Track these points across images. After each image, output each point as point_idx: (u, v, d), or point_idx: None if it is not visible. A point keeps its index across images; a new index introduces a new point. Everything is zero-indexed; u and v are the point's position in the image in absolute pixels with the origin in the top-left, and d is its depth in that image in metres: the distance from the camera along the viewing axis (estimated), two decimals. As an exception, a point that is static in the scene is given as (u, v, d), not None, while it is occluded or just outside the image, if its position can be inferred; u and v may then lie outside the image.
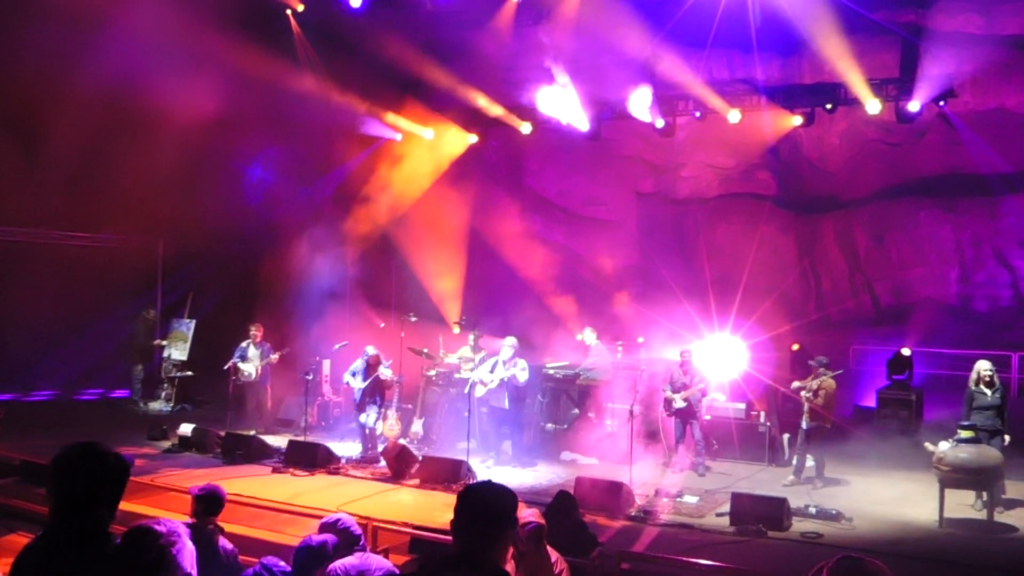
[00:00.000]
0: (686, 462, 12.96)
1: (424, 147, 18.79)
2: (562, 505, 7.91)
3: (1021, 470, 11.25)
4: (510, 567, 5.14)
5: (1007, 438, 10.81)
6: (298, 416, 15.20)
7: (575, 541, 7.57)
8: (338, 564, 4.32)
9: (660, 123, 16.61)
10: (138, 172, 15.73)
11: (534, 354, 15.44)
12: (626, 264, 19.69)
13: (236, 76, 15.77)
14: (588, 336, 15.29)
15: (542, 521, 5.74)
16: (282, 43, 17.11)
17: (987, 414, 10.80)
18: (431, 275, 18.75)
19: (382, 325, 17.37)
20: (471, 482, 11.25)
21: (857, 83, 14.76)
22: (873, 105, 14.83)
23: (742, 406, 13.99)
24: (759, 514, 9.77)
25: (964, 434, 10.08)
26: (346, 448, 13.62)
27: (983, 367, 11.04)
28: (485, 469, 12.60)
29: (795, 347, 15.91)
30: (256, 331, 15.54)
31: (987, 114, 17.14)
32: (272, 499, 10.27)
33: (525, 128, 17.67)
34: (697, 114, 16.56)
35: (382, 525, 8.61)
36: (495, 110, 17.69)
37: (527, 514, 5.57)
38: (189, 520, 6.42)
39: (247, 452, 13.04)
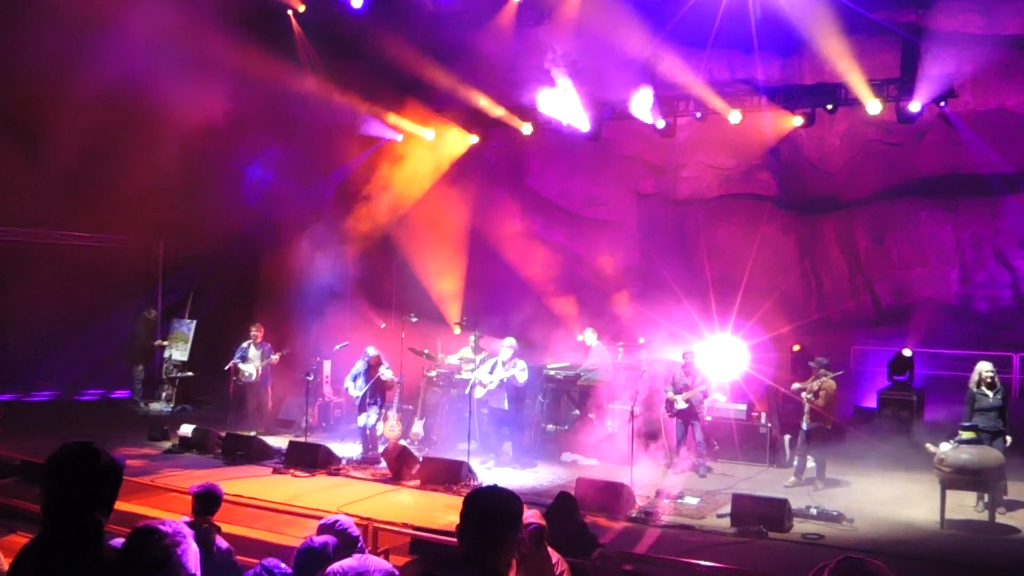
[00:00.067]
0: (687, 463, 12.96)
1: (425, 147, 18.78)
2: (563, 506, 7.89)
3: (1022, 471, 11.23)
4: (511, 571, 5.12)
5: (1009, 439, 10.80)
6: (299, 417, 15.20)
7: (576, 542, 7.56)
8: (337, 566, 4.31)
9: (661, 124, 16.61)
10: (139, 172, 15.72)
11: (535, 355, 15.43)
12: (627, 264, 19.68)
13: (237, 77, 15.76)
14: (589, 337, 15.29)
15: (543, 522, 5.74)
16: (283, 44, 17.10)
17: (989, 416, 10.79)
18: (432, 275, 18.75)
19: (383, 326, 17.37)
20: (472, 483, 11.35)
21: (858, 83, 14.76)
22: (874, 105, 14.83)
23: (743, 407, 13.99)
24: (760, 515, 9.76)
25: (965, 435, 10.08)
26: (347, 449, 13.61)
27: (984, 368, 11.02)
28: (486, 470, 12.59)
29: (796, 348, 15.91)
30: (257, 332, 15.54)
31: (987, 114, 17.13)
32: (272, 500, 10.26)
33: (526, 128, 17.67)
34: (698, 115, 16.56)
35: (383, 526, 8.60)
36: (496, 111, 17.68)
37: (528, 515, 5.57)
38: (186, 519, 6.42)
39: (248, 453, 13.04)
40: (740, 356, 14.79)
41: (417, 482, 11.73)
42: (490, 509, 3.11)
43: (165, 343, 18.21)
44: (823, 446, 12.09)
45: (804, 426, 12.03)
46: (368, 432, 13.39)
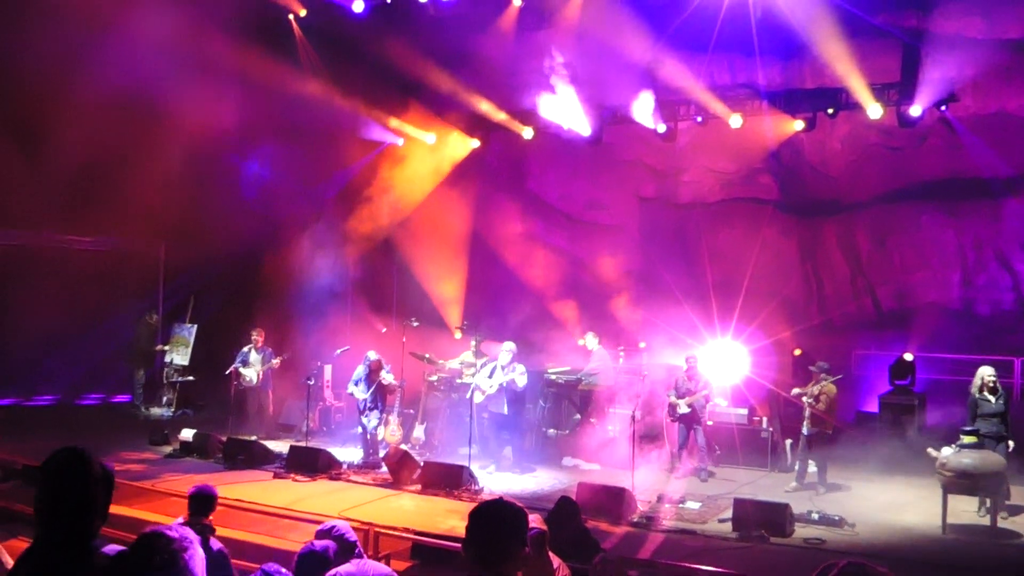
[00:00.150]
0: (688, 467, 12.95)
1: (426, 151, 18.79)
2: (564, 511, 7.88)
3: (1024, 475, 11.23)
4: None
5: (1011, 444, 10.78)
6: (299, 421, 15.20)
7: (577, 547, 7.55)
8: (333, 572, 4.30)
9: (662, 128, 16.60)
10: (140, 176, 15.74)
11: (536, 359, 15.43)
12: (628, 268, 19.64)
13: (239, 81, 15.81)
14: (590, 341, 15.29)
15: (544, 527, 5.73)
16: (284, 48, 17.13)
17: (992, 421, 10.78)
18: (433, 279, 18.74)
19: (383, 330, 17.37)
20: (474, 488, 11.34)
21: (859, 87, 14.75)
22: (875, 109, 14.82)
23: (744, 411, 13.99)
24: (762, 520, 9.75)
25: (967, 439, 10.06)
26: (348, 453, 13.61)
27: (986, 373, 11.01)
28: (487, 475, 12.58)
29: (797, 352, 15.90)
30: (258, 336, 15.56)
31: (989, 118, 17.11)
32: (273, 504, 10.27)
33: (527, 133, 17.67)
34: (699, 119, 16.56)
35: (383, 531, 8.60)
36: (497, 115, 17.68)
37: (529, 520, 5.55)
38: (180, 520, 6.42)
39: (248, 457, 13.04)
40: (741, 360, 14.78)
41: (418, 487, 11.72)
42: (496, 522, 3.11)
43: (166, 348, 18.22)
44: (824, 450, 12.08)
45: (805, 431, 12.03)
46: (369, 437, 13.38)
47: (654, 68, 16.10)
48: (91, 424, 15.93)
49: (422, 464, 12.14)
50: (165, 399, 17.97)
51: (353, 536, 4.87)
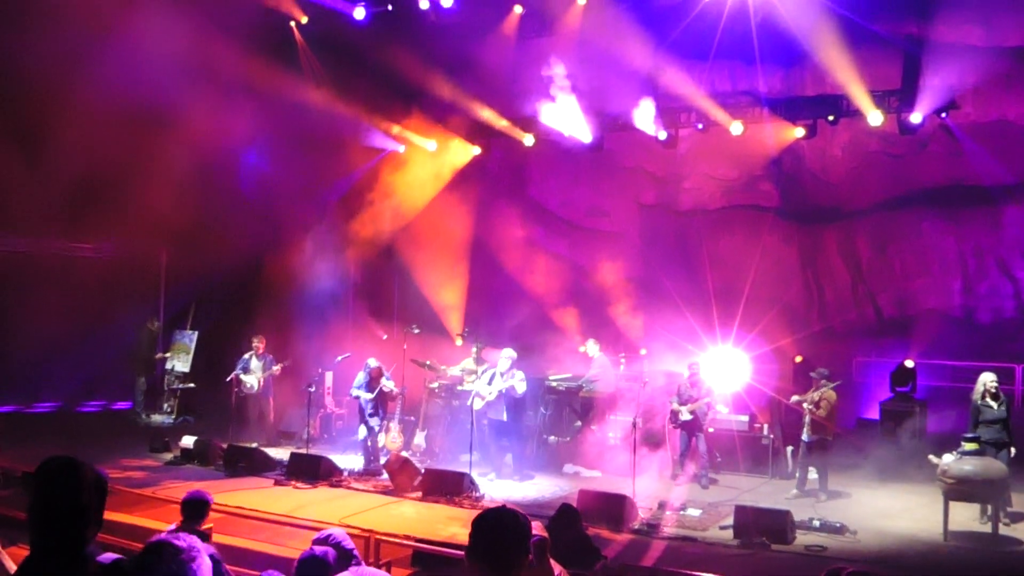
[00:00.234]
0: (690, 474, 12.94)
1: (427, 158, 18.80)
2: (565, 518, 7.87)
3: (1026, 482, 11.21)
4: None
5: (1013, 450, 10.77)
6: (300, 428, 15.18)
7: (578, 554, 7.54)
8: None
9: (663, 135, 16.61)
10: (142, 183, 15.73)
11: (536, 366, 15.42)
12: (629, 275, 19.65)
13: (241, 87, 15.80)
14: (591, 348, 15.28)
15: (545, 534, 5.72)
16: (287, 55, 17.15)
17: (994, 427, 10.77)
18: (434, 286, 18.74)
19: (384, 336, 17.37)
20: (475, 495, 11.33)
21: (859, 95, 14.76)
22: (875, 117, 14.83)
23: (745, 418, 13.98)
24: (763, 527, 9.74)
25: (968, 446, 10.06)
26: (348, 460, 13.60)
27: (988, 379, 11.01)
28: (488, 483, 12.56)
29: (798, 359, 15.89)
30: (259, 343, 15.56)
31: (989, 125, 17.13)
32: (274, 512, 10.25)
33: (528, 140, 17.68)
34: (700, 126, 16.57)
35: (384, 538, 8.58)
36: (498, 121, 17.70)
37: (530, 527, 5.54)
38: (173, 526, 6.42)
39: (249, 464, 13.04)
40: (742, 367, 14.77)
41: (419, 494, 11.72)
42: (499, 529, 3.10)
43: (167, 355, 18.22)
44: (824, 457, 12.07)
45: (805, 437, 12.02)
46: (370, 444, 13.38)
47: (655, 75, 16.12)
48: (92, 431, 15.91)
49: (423, 471, 12.14)
50: (166, 406, 17.97)
51: (350, 544, 4.87)
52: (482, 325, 17.33)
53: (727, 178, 20.24)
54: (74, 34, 13.79)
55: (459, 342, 16.65)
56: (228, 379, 15.28)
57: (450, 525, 10.07)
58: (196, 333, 18.46)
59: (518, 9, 16.50)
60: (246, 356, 15.48)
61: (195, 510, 6.81)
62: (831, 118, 15.58)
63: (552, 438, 14.76)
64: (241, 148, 18.09)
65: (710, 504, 11.48)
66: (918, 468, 11.96)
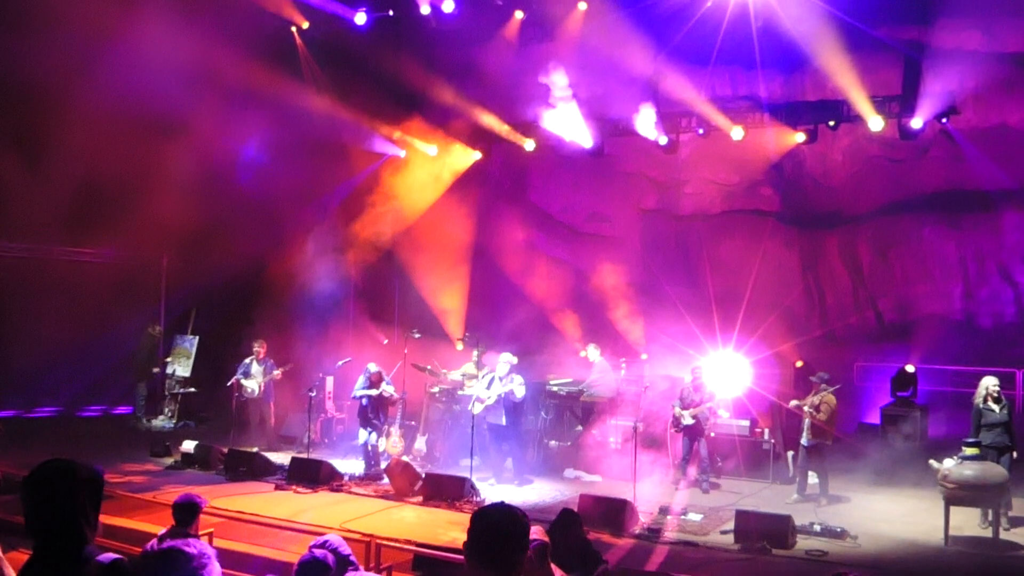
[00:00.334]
0: (691, 479, 12.93)
1: (428, 163, 18.82)
2: (566, 522, 7.85)
3: (1027, 487, 11.20)
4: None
5: (1015, 454, 10.77)
6: (301, 433, 15.18)
7: (579, 559, 7.52)
8: None
9: (663, 140, 16.64)
10: (143, 188, 15.76)
11: (537, 370, 15.42)
12: (629, 280, 19.65)
13: (241, 93, 15.83)
14: (592, 353, 15.28)
15: (546, 539, 5.72)
16: (288, 60, 17.18)
17: (996, 431, 10.77)
18: (435, 291, 18.75)
19: (385, 341, 17.37)
20: (475, 499, 11.32)
21: (860, 100, 14.79)
22: (876, 122, 14.85)
23: (746, 423, 13.97)
24: (764, 532, 9.74)
25: (969, 451, 10.05)
26: (349, 465, 13.60)
27: (990, 383, 11.00)
28: (489, 487, 12.56)
29: (799, 364, 15.90)
30: (259, 348, 15.56)
31: (989, 131, 17.14)
32: (275, 516, 10.26)
33: (529, 145, 17.70)
34: (700, 131, 16.60)
35: (385, 543, 8.58)
36: (499, 127, 17.72)
37: (531, 532, 5.53)
38: (164, 531, 6.44)
39: (250, 469, 13.03)
40: (743, 372, 14.77)
41: (420, 498, 11.71)
42: (498, 526, 3.10)
43: (168, 359, 18.24)
44: (823, 461, 12.06)
45: (804, 441, 12.02)
46: (370, 448, 13.38)
47: (656, 80, 16.16)
48: (93, 436, 15.93)
49: (424, 476, 12.14)
50: (167, 410, 17.97)
51: (347, 549, 4.89)
52: (483, 329, 17.33)
53: (728, 183, 20.25)
54: (76, 41, 13.83)
55: (460, 346, 16.65)
56: (229, 384, 15.29)
57: (451, 530, 10.07)
58: (197, 338, 18.46)
59: (519, 15, 16.54)
60: (247, 361, 15.48)
61: (186, 513, 6.84)
62: (832, 123, 15.61)
63: (553, 442, 14.76)
64: (242, 153, 18.11)
65: (711, 509, 11.48)
66: (919, 473, 11.95)
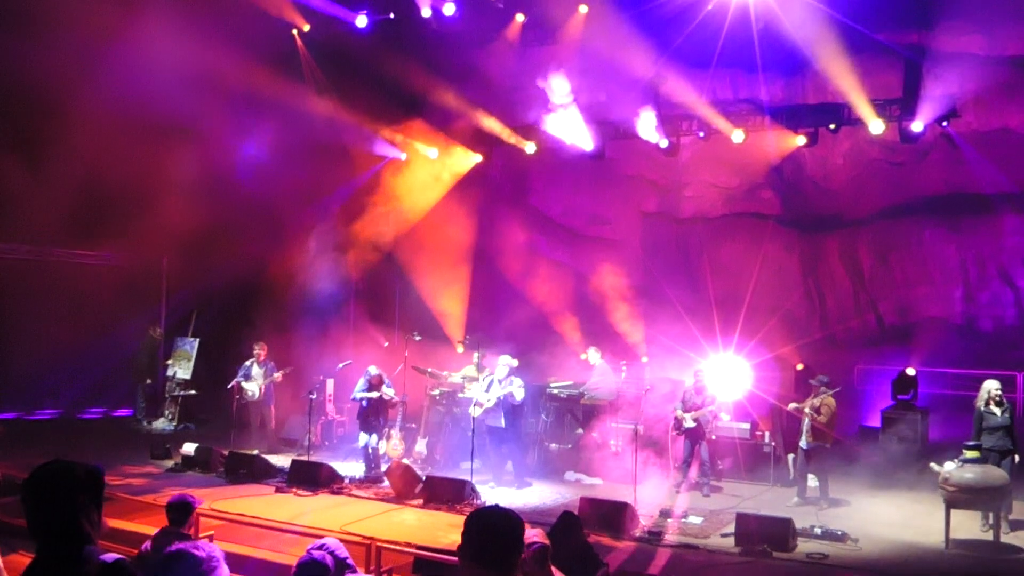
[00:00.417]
0: (691, 482, 12.92)
1: (429, 166, 18.83)
2: (566, 525, 7.86)
3: (1027, 490, 11.20)
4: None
5: (1017, 457, 10.76)
6: (301, 435, 15.17)
7: (580, 562, 7.52)
8: None
9: (664, 143, 16.64)
10: (144, 191, 15.78)
11: (538, 373, 15.42)
12: (630, 283, 19.65)
13: (243, 96, 15.84)
14: (592, 355, 15.28)
15: (547, 542, 5.72)
16: (289, 62, 17.19)
17: (998, 434, 10.76)
18: (435, 293, 18.75)
19: (385, 344, 17.37)
20: (476, 502, 11.32)
21: (860, 103, 14.79)
22: (876, 125, 14.85)
23: (747, 426, 13.96)
24: (764, 535, 9.73)
25: (970, 454, 10.05)
26: (349, 468, 13.59)
27: (992, 386, 11.00)
28: (489, 490, 12.56)
29: (799, 367, 15.89)
30: (260, 350, 15.57)
31: (990, 134, 17.15)
32: (275, 519, 10.25)
33: (529, 148, 17.70)
34: (701, 134, 16.61)
35: (386, 545, 8.58)
36: (500, 130, 17.73)
37: (531, 534, 5.54)
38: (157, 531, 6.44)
39: (250, 471, 13.03)
40: (744, 375, 14.76)
41: (420, 501, 11.71)
42: (494, 527, 3.10)
43: (168, 362, 18.24)
44: (823, 464, 12.06)
45: (804, 444, 12.01)
46: (371, 451, 13.37)
47: (657, 83, 16.16)
48: (93, 438, 15.93)
49: (424, 478, 12.13)
50: (167, 413, 17.97)
51: (344, 552, 4.90)
52: (483, 332, 17.33)
53: (728, 186, 20.26)
54: (78, 44, 13.84)
55: (460, 349, 16.64)
56: (229, 386, 15.29)
57: (451, 532, 10.06)
58: (197, 340, 18.47)
59: (520, 17, 16.54)
60: (247, 363, 15.49)
61: (179, 513, 6.88)
62: (832, 126, 15.61)
63: (553, 445, 14.75)
64: (243, 155, 18.11)
65: (712, 512, 11.47)
66: (919, 476, 11.95)
